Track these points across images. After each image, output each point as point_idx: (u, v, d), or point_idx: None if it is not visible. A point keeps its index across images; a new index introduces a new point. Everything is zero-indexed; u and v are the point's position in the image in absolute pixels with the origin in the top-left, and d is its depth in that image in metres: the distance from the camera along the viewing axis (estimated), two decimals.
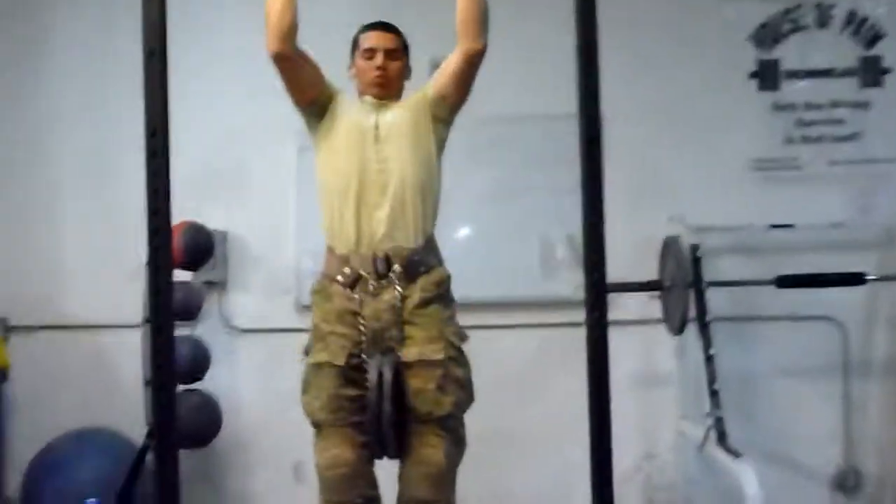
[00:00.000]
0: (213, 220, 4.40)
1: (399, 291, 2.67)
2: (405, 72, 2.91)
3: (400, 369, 2.64)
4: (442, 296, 2.75)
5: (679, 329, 3.88)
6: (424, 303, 2.69)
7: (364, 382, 2.63)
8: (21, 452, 4.30)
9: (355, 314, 2.67)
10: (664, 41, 4.47)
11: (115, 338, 4.46)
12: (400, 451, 2.68)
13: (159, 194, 2.27)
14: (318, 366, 2.71)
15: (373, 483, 2.72)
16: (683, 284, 3.84)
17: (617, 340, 4.28)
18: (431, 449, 2.66)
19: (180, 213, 4.13)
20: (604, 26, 4.35)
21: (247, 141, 4.51)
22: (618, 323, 4.36)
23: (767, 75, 4.49)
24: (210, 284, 4.47)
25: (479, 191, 4.45)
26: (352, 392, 2.66)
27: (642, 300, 4.24)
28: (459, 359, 2.74)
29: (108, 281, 4.48)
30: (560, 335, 4.02)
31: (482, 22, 2.71)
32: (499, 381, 4.34)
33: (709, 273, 4.00)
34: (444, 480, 2.67)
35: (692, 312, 3.86)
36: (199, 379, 4.07)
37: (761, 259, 4.29)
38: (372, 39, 2.83)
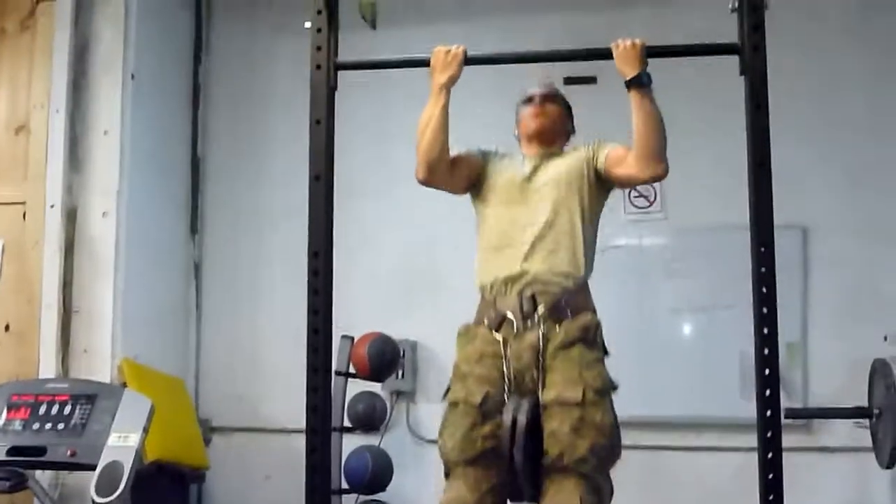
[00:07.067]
0: (405, 331, 4.46)
1: (542, 332, 2.55)
2: (565, 122, 2.84)
3: (539, 413, 2.51)
4: (586, 339, 2.59)
5: (889, 462, 3.53)
6: (567, 345, 2.56)
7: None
8: None
9: (497, 356, 2.58)
10: (874, 152, 4.30)
11: None
12: (536, 497, 2.50)
13: (319, 314, 2.32)
14: (454, 405, 2.61)
15: None
16: (894, 413, 3.49)
17: (824, 468, 4.09)
18: (565, 495, 2.44)
19: (373, 324, 4.31)
20: (811, 138, 4.21)
21: (438, 251, 4.56)
22: (825, 450, 4.15)
23: None
24: (398, 394, 4.52)
25: (675, 303, 4.34)
26: (486, 431, 2.53)
27: (853, 425, 3.93)
28: (601, 404, 2.54)
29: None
30: None
31: (663, 149, 2.60)
32: None
33: None
34: None
35: None
36: (382, 490, 4.08)
37: None
38: (532, 91, 2.82)
